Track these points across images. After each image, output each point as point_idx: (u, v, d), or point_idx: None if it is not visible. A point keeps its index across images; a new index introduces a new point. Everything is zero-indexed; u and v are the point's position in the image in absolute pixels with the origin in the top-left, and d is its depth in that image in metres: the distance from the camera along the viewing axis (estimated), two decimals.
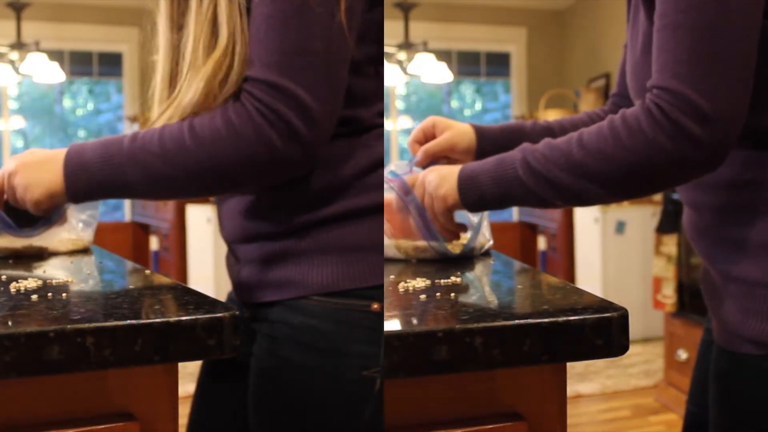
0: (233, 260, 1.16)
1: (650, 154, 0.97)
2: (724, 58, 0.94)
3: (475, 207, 1.12)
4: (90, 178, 1.03)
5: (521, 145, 1.07)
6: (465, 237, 1.31)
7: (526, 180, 1.04)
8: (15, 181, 1.10)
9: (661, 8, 0.98)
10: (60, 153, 1.05)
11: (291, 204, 1.06)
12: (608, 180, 1.00)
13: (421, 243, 1.26)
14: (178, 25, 1.11)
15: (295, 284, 1.05)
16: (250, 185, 1.04)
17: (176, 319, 0.83)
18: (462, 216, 1.25)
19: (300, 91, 0.97)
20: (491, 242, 1.36)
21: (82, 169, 1.03)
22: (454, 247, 1.28)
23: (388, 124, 6.41)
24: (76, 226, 1.45)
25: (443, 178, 1.13)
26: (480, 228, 1.31)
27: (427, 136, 1.35)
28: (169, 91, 1.10)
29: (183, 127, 1.00)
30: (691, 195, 1.14)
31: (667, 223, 3.77)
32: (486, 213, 1.27)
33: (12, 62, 5.66)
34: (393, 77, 5.82)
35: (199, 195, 1.06)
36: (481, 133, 1.34)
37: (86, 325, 0.79)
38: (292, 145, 0.97)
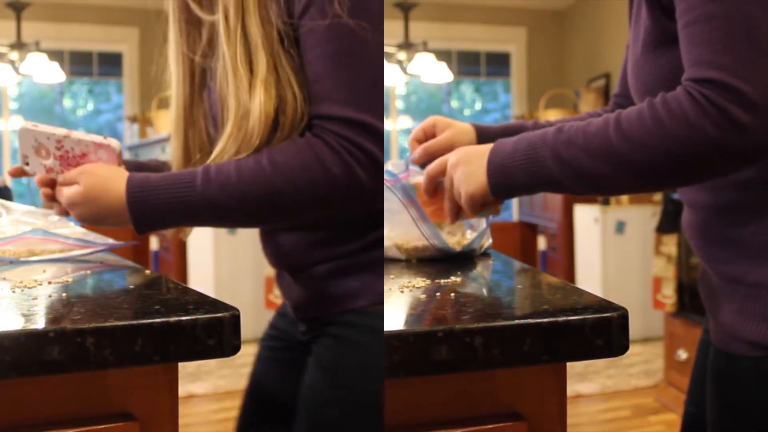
0: (290, 280, 1.18)
1: (694, 141, 0.92)
2: (764, 43, 0.90)
3: (503, 197, 1.09)
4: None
5: (548, 133, 1.01)
6: (467, 238, 1.31)
7: (558, 175, 1.00)
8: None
9: (685, 4, 0.95)
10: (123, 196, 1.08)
11: (363, 225, 1.10)
12: (649, 169, 0.95)
13: (421, 243, 1.26)
14: (201, 53, 1.13)
15: (366, 293, 1.09)
16: (339, 213, 1.08)
17: (176, 319, 0.83)
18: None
19: (377, 123, 1.02)
20: (490, 241, 1.37)
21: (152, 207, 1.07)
22: (455, 245, 1.28)
23: (388, 124, 6.41)
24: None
25: (470, 167, 1.08)
26: (485, 231, 1.32)
27: (428, 135, 1.35)
28: (190, 112, 1.13)
29: (274, 179, 1.03)
30: (691, 194, 1.14)
31: (667, 223, 3.77)
32: (490, 217, 1.27)
33: (12, 62, 5.66)
34: (393, 77, 5.82)
35: (272, 224, 1.14)
36: (481, 132, 1.33)
37: (86, 325, 0.79)
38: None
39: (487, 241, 1.36)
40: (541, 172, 1.01)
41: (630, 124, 0.95)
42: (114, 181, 1.09)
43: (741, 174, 1.03)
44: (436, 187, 1.18)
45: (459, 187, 1.09)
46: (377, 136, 1.02)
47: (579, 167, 0.98)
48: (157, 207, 1.06)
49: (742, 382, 1.07)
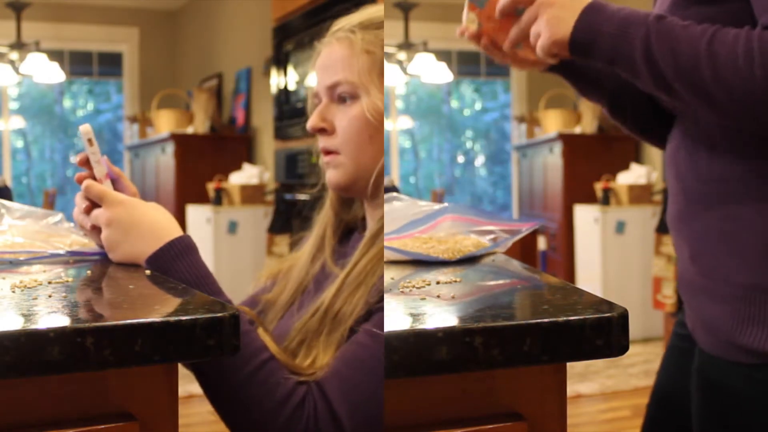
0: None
1: None
2: None
3: (578, 57, 1.04)
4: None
5: (648, 17, 0.98)
6: (469, 248, 1.30)
7: (638, 64, 0.98)
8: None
9: None
10: None
11: None
12: (726, 107, 0.94)
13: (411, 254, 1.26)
14: None
15: None
16: None
17: (176, 319, 0.83)
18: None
19: None
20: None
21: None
22: (453, 255, 1.28)
23: (388, 124, 6.41)
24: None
25: (562, 12, 1.03)
26: (493, 248, 1.31)
27: None
28: None
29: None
30: (683, 183, 1.09)
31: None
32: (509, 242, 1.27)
33: (12, 62, 5.66)
34: (393, 77, 5.82)
35: None
36: None
37: (86, 325, 0.79)
38: None
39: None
40: (626, 51, 0.98)
41: (722, 57, 0.92)
42: (162, 231, 1.13)
43: (738, 164, 1.01)
44: (513, 11, 1.10)
45: (541, 27, 1.04)
46: None
47: (660, 69, 0.96)
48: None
49: (734, 392, 1.03)
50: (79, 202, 1.23)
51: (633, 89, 1.16)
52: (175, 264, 1.09)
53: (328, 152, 1.16)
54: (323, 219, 1.27)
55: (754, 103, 0.92)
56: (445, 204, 1.39)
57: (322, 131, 1.15)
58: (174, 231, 1.13)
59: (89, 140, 1.23)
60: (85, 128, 1.23)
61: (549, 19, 1.02)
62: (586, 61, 1.05)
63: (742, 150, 1.01)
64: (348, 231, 1.27)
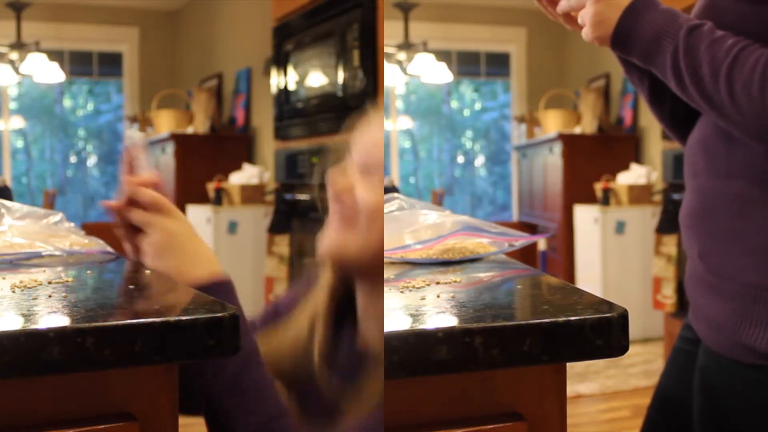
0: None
1: None
2: None
3: (617, 53, 1.11)
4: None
5: (684, 30, 1.03)
6: (470, 250, 1.30)
7: (669, 77, 1.04)
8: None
9: None
10: None
11: None
12: (741, 125, 0.99)
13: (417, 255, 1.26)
14: None
15: None
16: None
17: (176, 319, 0.83)
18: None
19: None
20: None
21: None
22: (453, 255, 1.28)
23: (388, 124, 6.41)
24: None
25: (608, 11, 1.08)
26: (496, 253, 1.31)
27: None
28: None
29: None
30: (700, 180, 1.10)
31: (667, 223, 3.78)
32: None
33: (12, 62, 5.66)
34: (393, 77, 5.83)
35: None
36: None
37: (86, 325, 0.79)
38: None
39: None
40: (658, 61, 1.04)
41: (739, 84, 0.97)
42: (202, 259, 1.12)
43: (757, 164, 1.02)
44: None
45: (586, 19, 1.09)
46: None
47: (685, 84, 1.02)
48: None
49: (735, 391, 1.03)
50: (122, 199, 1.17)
51: None
52: (231, 298, 1.07)
53: None
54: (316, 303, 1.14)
55: (764, 125, 0.97)
56: (461, 218, 1.37)
57: None
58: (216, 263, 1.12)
59: (142, 147, 1.22)
60: (136, 135, 1.23)
61: (594, 15, 1.08)
62: (625, 56, 1.11)
63: (759, 150, 1.02)
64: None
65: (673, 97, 1.18)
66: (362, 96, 3.05)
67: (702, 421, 1.09)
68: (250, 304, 4.65)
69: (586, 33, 1.11)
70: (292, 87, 3.72)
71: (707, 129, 1.09)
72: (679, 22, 1.03)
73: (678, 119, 1.23)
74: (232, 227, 4.86)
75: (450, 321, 0.84)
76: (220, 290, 1.08)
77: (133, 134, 1.20)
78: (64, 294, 0.97)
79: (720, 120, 1.02)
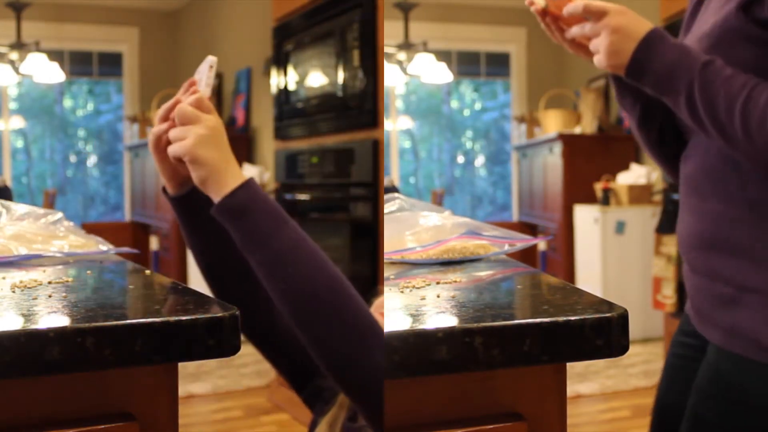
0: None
1: None
2: None
3: (629, 78, 1.13)
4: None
5: (699, 64, 1.07)
6: (470, 250, 1.30)
7: (682, 107, 1.08)
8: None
9: None
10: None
11: None
12: (753, 157, 1.05)
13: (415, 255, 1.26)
14: None
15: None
16: None
17: (176, 319, 0.83)
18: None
19: None
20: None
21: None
22: (454, 255, 1.28)
23: (388, 124, 6.41)
24: None
25: (624, 44, 1.11)
26: (496, 254, 1.32)
27: None
28: None
29: None
30: (701, 203, 1.15)
31: (667, 223, 3.78)
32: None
33: (12, 62, 5.66)
34: (393, 77, 5.83)
35: None
36: None
37: (86, 325, 0.79)
38: None
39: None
40: (672, 92, 1.09)
41: (754, 119, 1.03)
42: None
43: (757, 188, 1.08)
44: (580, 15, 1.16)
45: (600, 49, 1.12)
46: None
47: (699, 116, 1.07)
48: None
49: (757, 389, 1.08)
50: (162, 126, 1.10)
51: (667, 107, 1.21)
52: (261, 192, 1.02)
53: None
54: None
55: None
56: (462, 221, 1.37)
57: None
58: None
59: (211, 67, 1.18)
60: (212, 58, 1.20)
61: (609, 45, 1.11)
62: (636, 85, 1.15)
63: None
64: None
65: (662, 125, 1.25)
66: (362, 96, 3.05)
67: (721, 422, 1.11)
68: None
69: (599, 60, 1.13)
70: (292, 87, 3.72)
71: (712, 157, 1.14)
72: (692, 56, 1.08)
73: (664, 146, 1.28)
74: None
75: (450, 321, 0.84)
76: (253, 183, 1.04)
77: (211, 58, 1.18)
78: (64, 294, 0.97)
79: (728, 147, 1.07)
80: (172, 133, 1.04)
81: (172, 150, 1.03)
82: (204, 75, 1.17)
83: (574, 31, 1.16)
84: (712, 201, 1.14)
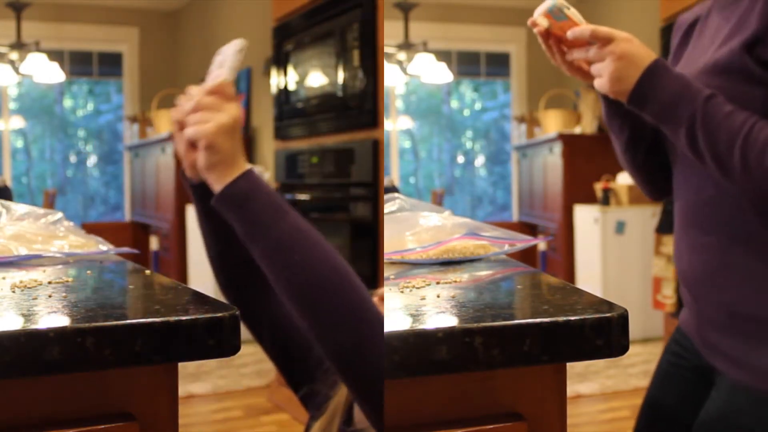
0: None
1: None
2: None
3: (631, 105, 1.14)
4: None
5: (702, 98, 1.09)
6: (470, 250, 1.30)
7: (682, 138, 1.10)
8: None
9: None
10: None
11: None
12: (750, 190, 1.09)
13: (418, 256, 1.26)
14: None
15: None
16: None
17: (176, 319, 0.83)
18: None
19: None
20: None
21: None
22: (454, 255, 1.28)
23: (388, 124, 6.41)
24: None
25: (628, 72, 1.12)
26: (495, 254, 1.32)
27: None
28: None
29: None
30: (704, 236, 1.16)
31: (667, 224, 3.77)
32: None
33: (12, 62, 5.66)
34: (393, 77, 5.82)
35: None
36: None
37: (86, 325, 0.79)
38: None
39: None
40: (673, 123, 1.11)
41: (752, 155, 1.05)
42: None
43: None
44: (585, 40, 1.17)
45: (604, 74, 1.14)
46: None
47: (699, 148, 1.09)
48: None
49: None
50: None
51: (658, 133, 1.23)
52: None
53: None
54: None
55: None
56: (462, 221, 1.37)
57: None
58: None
59: (240, 50, 1.18)
60: (241, 41, 1.19)
61: (613, 71, 1.13)
62: (638, 112, 1.17)
63: None
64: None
65: (647, 151, 1.27)
66: (362, 96, 3.05)
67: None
68: None
69: (601, 85, 1.15)
70: (292, 87, 3.71)
71: (710, 189, 1.16)
72: (695, 89, 1.10)
73: (648, 172, 1.32)
74: None
75: (450, 321, 0.84)
76: (253, 173, 1.04)
77: (238, 42, 1.16)
78: (64, 294, 0.97)
79: (725, 179, 1.09)
80: (194, 117, 1.04)
81: (191, 131, 1.04)
82: (229, 58, 1.16)
83: (577, 54, 1.18)
84: (716, 235, 1.15)
